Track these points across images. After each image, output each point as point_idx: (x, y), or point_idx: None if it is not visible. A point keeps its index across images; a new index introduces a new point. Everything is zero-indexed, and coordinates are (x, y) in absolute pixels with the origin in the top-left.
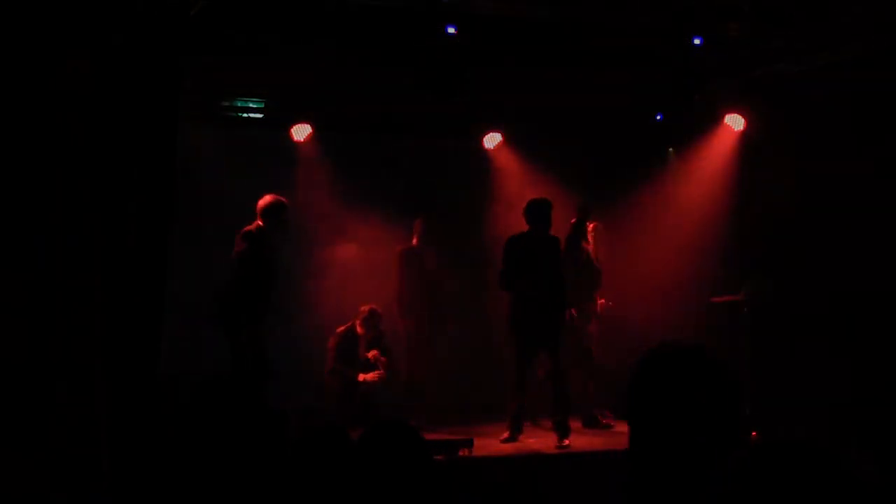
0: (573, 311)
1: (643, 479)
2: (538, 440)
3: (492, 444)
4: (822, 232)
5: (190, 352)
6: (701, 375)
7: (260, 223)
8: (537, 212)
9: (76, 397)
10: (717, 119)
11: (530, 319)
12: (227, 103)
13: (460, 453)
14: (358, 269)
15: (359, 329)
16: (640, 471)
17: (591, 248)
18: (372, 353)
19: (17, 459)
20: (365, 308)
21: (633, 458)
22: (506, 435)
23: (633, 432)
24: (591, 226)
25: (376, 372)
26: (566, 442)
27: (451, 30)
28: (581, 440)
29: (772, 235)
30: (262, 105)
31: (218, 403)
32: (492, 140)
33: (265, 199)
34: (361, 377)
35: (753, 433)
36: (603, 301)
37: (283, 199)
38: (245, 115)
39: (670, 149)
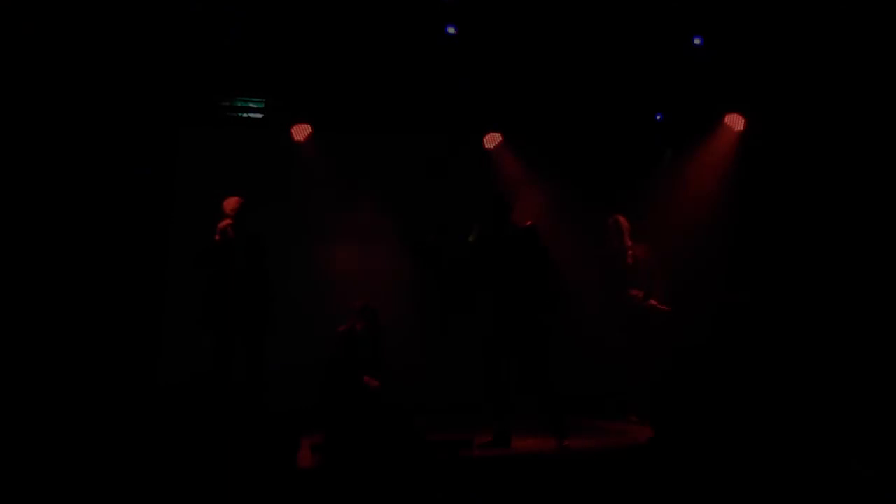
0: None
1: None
2: (538, 440)
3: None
4: (823, 232)
5: (189, 352)
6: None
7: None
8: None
9: (77, 396)
10: (717, 119)
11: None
12: (227, 103)
13: (460, 453)
14: (358, 268)
15: (357, 326)
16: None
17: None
18: (365, 379)
19: (18, 458)
20: (357, 304)
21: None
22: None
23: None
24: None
25: (377, 382)
26: (566, 442)
27: (450, 30)
28: (581, 440)
29: (772, 236)
30: (262, 105)
31: (211, 404)
32: (492, 140)
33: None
34: (366, 379)
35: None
36: None
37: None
38: (245, 115)
39: (669, 150)
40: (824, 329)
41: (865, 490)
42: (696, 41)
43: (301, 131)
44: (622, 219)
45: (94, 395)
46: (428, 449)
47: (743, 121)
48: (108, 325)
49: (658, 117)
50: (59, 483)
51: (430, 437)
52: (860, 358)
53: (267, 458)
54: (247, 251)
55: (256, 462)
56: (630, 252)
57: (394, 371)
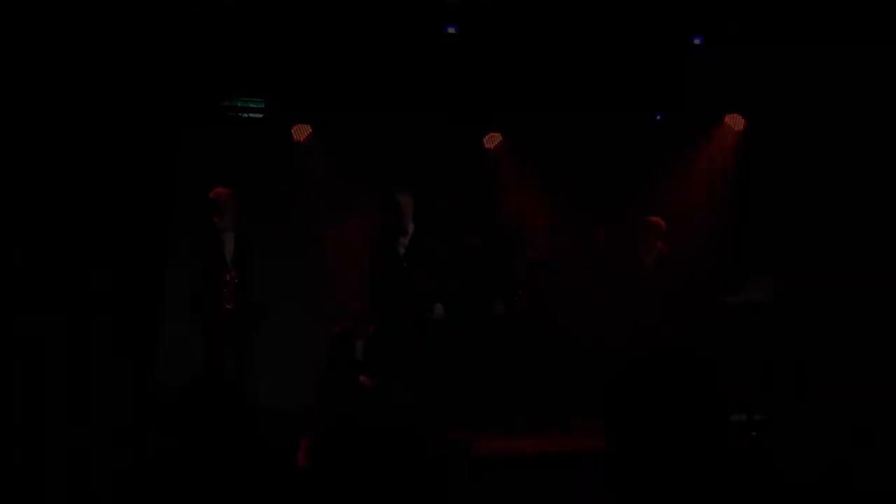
0: None
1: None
2: (538, 441)
3: (491, 444)
4: (823, 232)
5: (190, 352)
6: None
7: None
8: None
9: (79, 394)
10: (717, 119)
11: None
12: (227, 103)
13: (459, 453)
14: (357, 268)
15: (355, 327)
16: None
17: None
18: (363, 379)
19: (17, 458)
20: (356, 304)
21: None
22: None
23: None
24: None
25: (375, 379)
26: None
27: (450, 30)
28: (579, 440)
29: (773, 236)
30: (262, 105)
31: (211, 404)
32: (492, 140)
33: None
34: (363, 378)
35: (753, 433)
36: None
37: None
38: (245, 115)
39: (668, 151)
40: (825, 327)
41: (867, 490)
42: (696, 41)
43: (301, 131)
44: (659, 220)
45: (97, 394)
46: (426, 449)
47: (743, 121)
48: (109, 325)
49: (658, 117)
50: (58, 481)
51: (429, 437)
52: (860, 356)
53: (267, 458)
54: (235, 247)
55: (256, 462)
56: (654, 255)
57: (392, 371)
